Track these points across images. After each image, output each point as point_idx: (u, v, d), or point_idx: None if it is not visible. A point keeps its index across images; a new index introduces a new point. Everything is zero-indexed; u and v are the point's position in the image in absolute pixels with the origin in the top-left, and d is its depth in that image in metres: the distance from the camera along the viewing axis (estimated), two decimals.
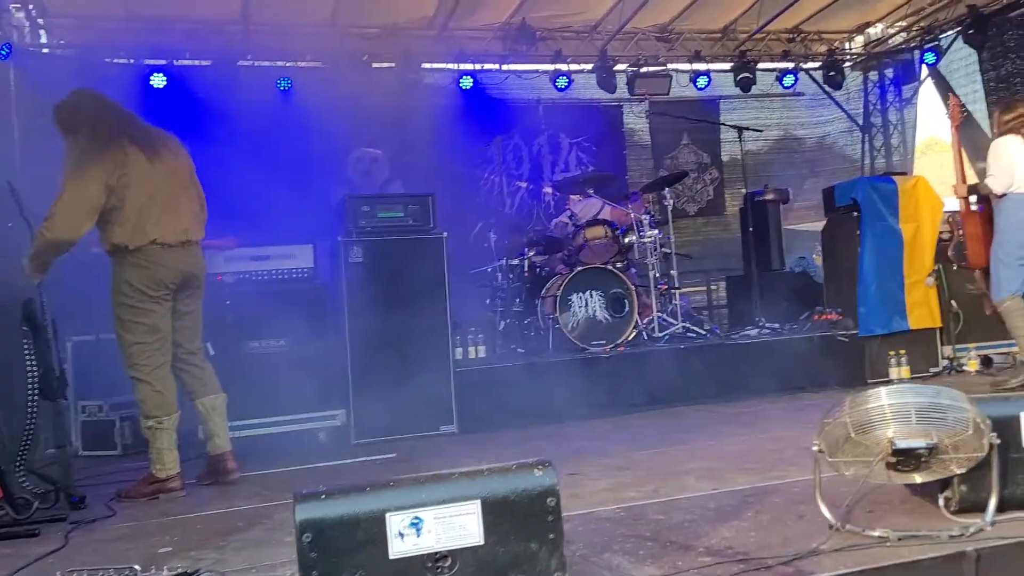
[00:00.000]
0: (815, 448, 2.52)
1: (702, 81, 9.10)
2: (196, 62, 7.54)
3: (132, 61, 7.37)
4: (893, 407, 2.39)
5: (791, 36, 9.25)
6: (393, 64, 8.02)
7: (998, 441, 2.37)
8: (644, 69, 8.90)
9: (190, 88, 7.00)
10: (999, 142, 5.50)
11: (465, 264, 7.12)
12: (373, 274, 5.33)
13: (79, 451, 5.63)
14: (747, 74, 9.01)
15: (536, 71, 8.96)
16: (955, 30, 8.66)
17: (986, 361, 6.66)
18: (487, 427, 5.39)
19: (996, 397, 2.63)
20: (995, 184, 5.40)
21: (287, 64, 7.82)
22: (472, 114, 8.56)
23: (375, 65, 8.08)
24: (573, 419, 5.56)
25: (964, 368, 6.55)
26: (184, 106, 6.76)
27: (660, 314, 6.67)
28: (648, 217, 6.86)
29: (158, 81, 7.12)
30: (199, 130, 5.82)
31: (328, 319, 5.36)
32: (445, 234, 5.52)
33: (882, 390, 2.44)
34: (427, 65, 8.35)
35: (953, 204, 6.22)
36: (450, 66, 8.55)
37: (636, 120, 9.65)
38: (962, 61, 8.93)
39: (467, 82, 8.30)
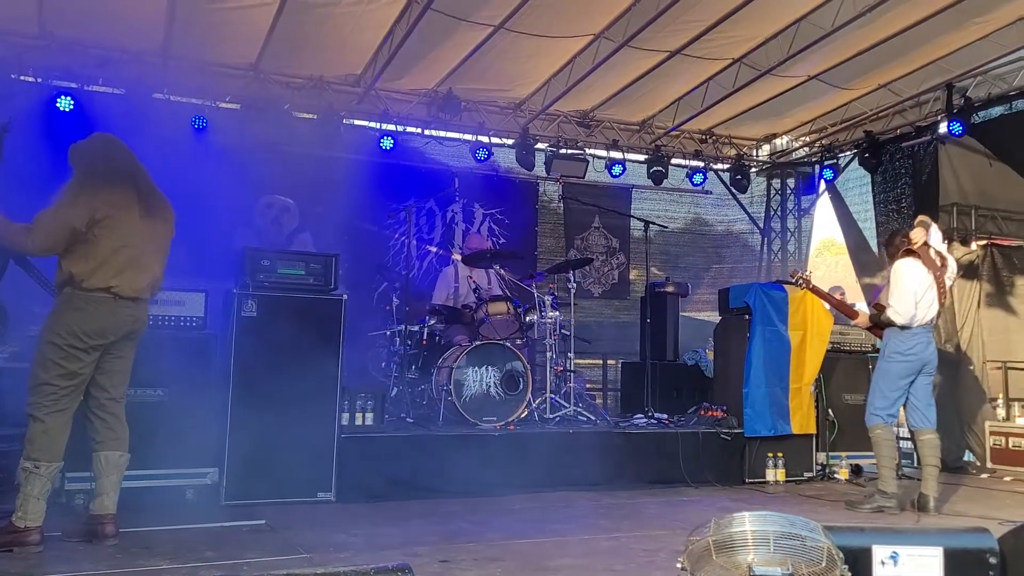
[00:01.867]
0: (679, 565, 2.55)
1: (617, 169, 9.39)
2: (109, 89, 7.32)
3: (40, 80, 7.10)
4: (755, 533, 2.44)
5: (703, 137, 9.69)
6: (315, 116, 7.98)
7: (849, 574, 2.45)
8: (563, 151, 9.13)
9: (99, 115, 6.77)
10: (901, 264, 5.48)
11: (363, 325, 7.03)
12: (265, 330, 5.20)
13: None
14: (660, 168, 9.36)
15: (457, 139, 9.07)
16: (852, 152, 9.25)
17: (856, 470, 6.94)
18: (365, 497, 5.27)
19: (852, 528, 2.73)
20: (896, 316, 5.41)
21: (204, 102, 7.68)
22: (389, 174, 8.58)
23: (296, 114, 8.01)
24: (456, 496, 5.49)
25: (836, 475, 6.82)
26: (89, 132, 6.53)
27: (553, 395, 6.72)
28: (551, 298, 6.96)
29: (65, 104, 6.87)
30: None
31: (212, 372, 5.17)
32: (345, 296, 5.46)
33: (746, 515, 2.49)
34: (349, 121, 8.34)
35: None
36: (372, 124, 8.57)
37: (551, 198, 9.85)
38: (857, 180, 9.52)
39: (388, 142, 8.32)
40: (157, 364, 4.87)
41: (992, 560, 2.70)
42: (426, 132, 8.79)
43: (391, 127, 8.50)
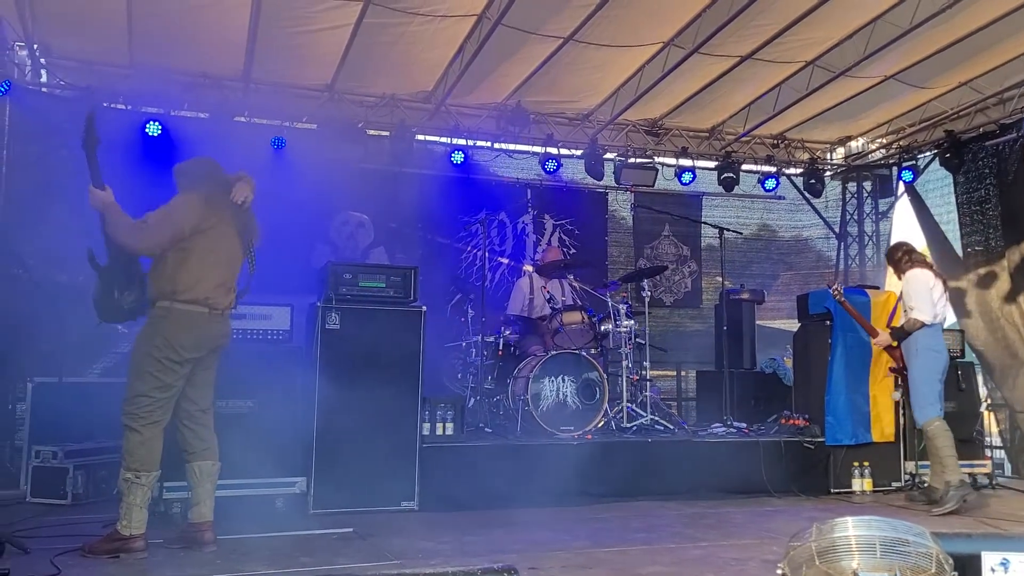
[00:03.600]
0: (779, 572, 2.52)
1: (687, 177, 9.31)
2: (193, 114, 7.62)
3: (130, 107, 7.44)
4: (859, 538, 2.40)
5: (775, 142, 9.54)
6: (388, 133, 8.14)
7: None
8: (632, 160, 9.11)
9: (184, 138, 7.05)
10: (912, 273, 5.90)
11: (440, 336, 7.12)
12: (348, 342, 5.33)
13: (27, 496, 5.47)
14: (731, 174, 9.24)
15: (527, 152, 9.13)
16: (932, 152, 8.98)
17: None
18: (448, 506, 5.32)
19: (959, 534, 2.66)
20: (922, 316, 5.75)
21: (283, 124, 7.91)
22: (460, 188, 8.69)
23: (370, 132, 8.18)
24: (536, 505, 5.50)
25: (925, 484, 6.59)
26: (177, 155, 6.79)
27: (630, 404, 6.69)
28: (625, 307, 6.94)
29: (153, 129, 7.17)
30: None
31: (299, 383, 5.31)
32: (424, 308, 5.55)
33: (849, 520, 2.45)
34: (421, 137, 8.48)
35: None
36: (443, 139, 8.70)
37: (620, 208, 9.83)
38: (938, 182, 9.22)
39: (458, 157, 8.44)
40: (246, 376, 5.04)
41: None
42: (496, 145, 8.88)
43: (461, 141, 8.62)
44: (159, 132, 7.19)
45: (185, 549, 4.06)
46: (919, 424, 5.83)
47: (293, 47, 6.98)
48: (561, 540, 4.47)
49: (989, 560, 2.53)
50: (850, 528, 2.43)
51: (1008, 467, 7.98)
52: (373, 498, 5.26)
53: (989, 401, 8.00)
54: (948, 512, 5.41)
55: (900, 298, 6.14)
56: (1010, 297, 8.05)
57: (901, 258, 6.03)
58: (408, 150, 8.08)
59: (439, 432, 5.70)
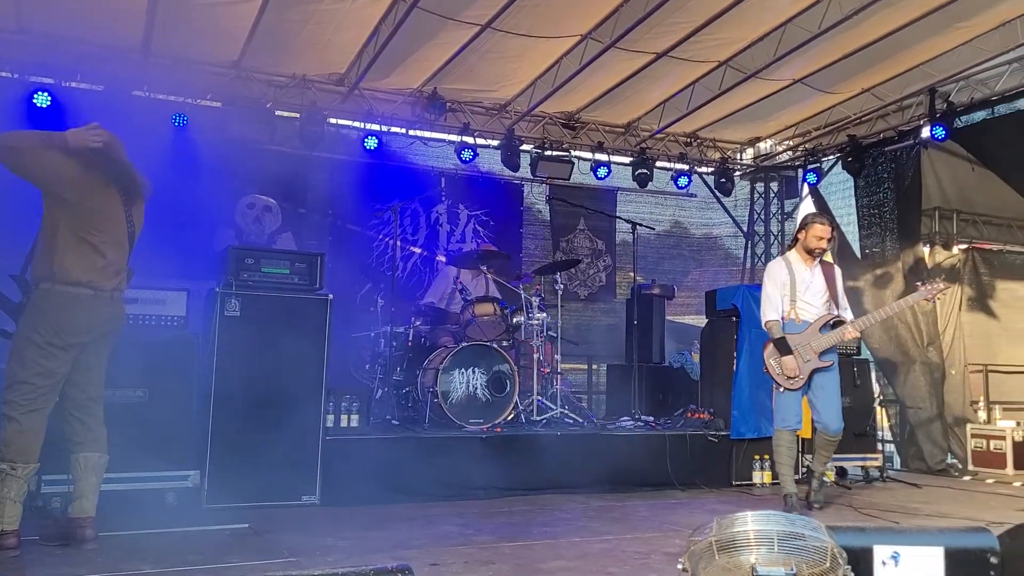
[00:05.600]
0: (680, 566, 2.50)
1: (602, 171, 9.34)
2: (87, 85, 7.18)
3: (16, 76, 6.95)
4: (758, 533, 2.40)
5: (688, 140, 9.68)
6: (298, 115, 7.87)
7: (852, 574, 2.41)
8: (548, 152, 9.08)
9: (76, 111, 6.61)
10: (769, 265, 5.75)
11: (348, 326, 6.94)
12: (249, 330, 5.13)
13: None
14: (645, 170, 9.33)
15: (443, 140, 8.99)
16: (835, 155, 9.27)
17: (841, 472, 6.95)
18: (351, 500, 5.18)
19: (854, 527, 2.69)
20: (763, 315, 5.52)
21: (185, 100, 7.54)
22: (374, 174, 8.49)
23: (279, 113, 7.90)
24: (442, 499, 5.44)
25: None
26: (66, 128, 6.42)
27: (540, 397, 6.67)
28: (538, 299, 6.91)
29: (42, 100, 6.71)
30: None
31: (194, 372, 5.08)
32: (331, 296, 5.39)
33: (748, 515, 2.45)
34: (333, 120, 8.23)
35: None
36: (356, 124, 8.45)
37: (536, 200, 9.81)
38: (840, 184, 9.55)
39: (372, 142, 8.22)
40: (137, 364, 4.77)
41: (993, 560, 2.67)
42: (411, 132, 8.71)
43: (375, 127, 8.39)
44: (48, 103, 6.74)
45: (63, 546, 3.81)
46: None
47: (197, 20, 6.64)
48: (465, 535, 4.40)
49: (880, 553, 2.57)
50: (749, 523, 2.43)
51: (898, 460, 8.33)
52: (272, 492, 5.08)
53: (882, 397, 8.31)
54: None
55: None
56: (904, 296, 8.39)
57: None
58: (319, 133, 7.82)
59: (344, 424, 5.55)
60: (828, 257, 5.77)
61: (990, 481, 7.39)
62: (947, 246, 8.77)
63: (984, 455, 8.02)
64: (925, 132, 8.17)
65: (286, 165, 8.00)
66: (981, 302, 8.99)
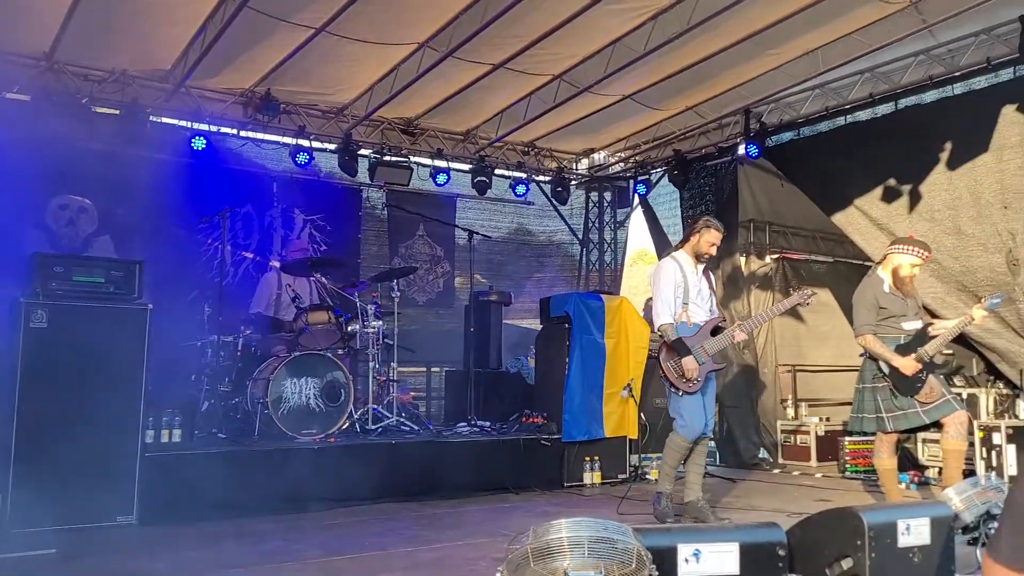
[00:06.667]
0: (498, 575, 2.58)
1: (441, 178, 9.40)
2: None
3: None
4: (570, 539, 2.51)
5: (526, 149, 9.92)
6: (118, 111, 7.41)
7: (656, 573, 2.57)
8: (387, 158, 9.03)
9: None
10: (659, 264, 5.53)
11: (174, 336, 6.60)
12: (58, 342, 4.79)
13: None
14: (484, 178, 9.47)
15: (276, 142, 8.75)
16: (663, 168, 9.79)
17: None
18: (173, 520, 4.94)
19: (659, 528, 2.87)
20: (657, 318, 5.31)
21: None
22: (203, 176, 8.09)
23: (96, 109, 7.41)
24: (273, 513, 5.29)
25: (647, 476, 7.17)
26: None
27: (376, 406, 6.63)
28: (374, 307, 6.86)
29: None
30: None
31: None
32: (150, 306, 5.13)
33: (563, 521, 2.56)
34: (156, 119, 7.81)
35: None
36: (183, 123, 8.06)
37: (375, 205, 9.72)
38: (667, 196, 10.09)
39: (200, 142, 7.86)
40: None
41: (781, 552, 2.93)
42: (242, 133, 8.42)
43: (204, 127, 8.03)
44: None
45: None
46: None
47: (2, 6, 6.14)
48: (295, 550, 4.31)
49: (683, 552, 2.76)
50: (563, 530, 2.54)
51: (718, 456, 8.88)
52: (85, 514, 4.76)
53: None
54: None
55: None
56: (723, 303, 8.97)
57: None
58: (141, 132, 7.40)
59: (164, 439, 5.29)
60: None
61: (796, 473, 8.03)
62: (760, 255, 9.46)
63: (792, 449, 8.72)
64: (741, 150, 8.80)
65: (105, 164, 7.47)
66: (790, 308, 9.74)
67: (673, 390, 5.28)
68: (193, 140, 7.83)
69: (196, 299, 6.90)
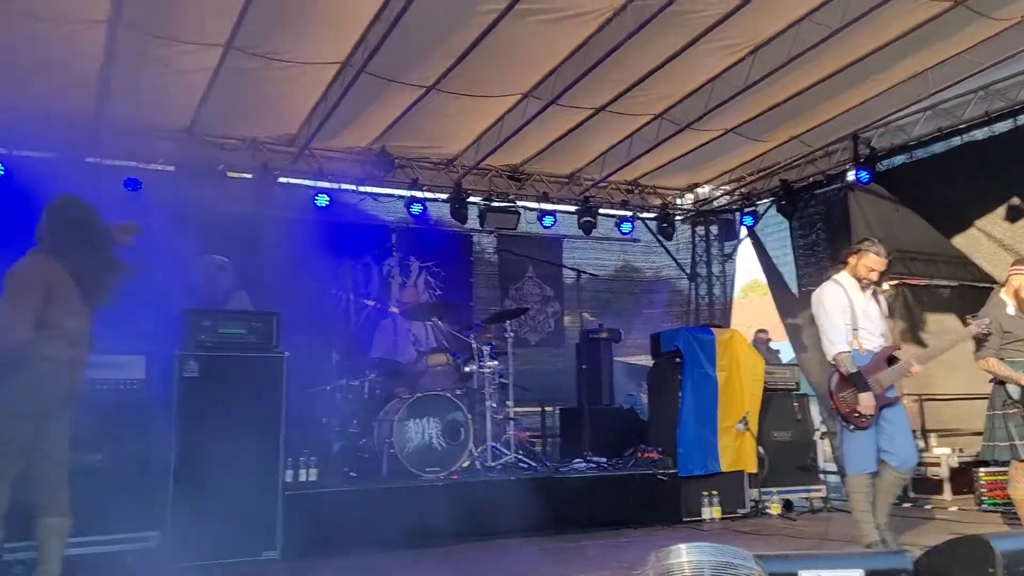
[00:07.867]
0: None
1: (548, 220, 9.68)
2: (39, 154, 7.28)
3: None
4: (691, 563, 2.62)
5: (629, 188, 10.08)
6: (250, 175, 8.06)
7: None
8: (495, 203, 9.38)
9: (29, 180, 6.72)
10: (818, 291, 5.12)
11: (303, 381, 7.04)
12: (207, 390, 5.23)
13: None
14: (589, 218, 9.68)
15: (392, 195, 9.25)
16: (770, 199, 9.75)
17: (787, 505, 7.20)
18: (312, 554, 5.26)
19: (779, 555, 2.93)
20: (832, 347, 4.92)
21: (138, 165, 7.69)
22: (326, 231, 8.63)
23: (231, 174, 8.08)
24: (401, 548, 5.51)
25: (768, 511, 7.06)
26: (21, 199, 6.48)
27: (494, 443, 6.83)
28: (489, 348, 7.11)
29: None
30: (34, 225, 5.62)
31: (153, 434, 5.14)
32: (287, 354, 5.52)
33: (683, 547, 2.68)
34: (284, 179, 8.44)
35: None
36: (307, 182, 8.67)
37: (485, 250, 10.07)
38: (776, 227, 10.01)
39: (323, 199, 8.44)
40: (95, 428, 4.83)
41: None
42: (361, 189, 8.95)
43: (326, 184, 8.62)
44: (1, 173, 6.82)
45: None
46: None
47: (149, 88, 6.83)
48: None
49: None
50: (683, 555, 2.65)
51: (843, 490, 8.62)
52: (233, 550, 5.13)
53: (824, 429, 8.64)
54: None
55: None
56: None
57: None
58: (271, 193, 8.02)
59: (302, 479, 5.65)
60: None
61: (928, 507, 7.70)
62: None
63: (923, 482, 8.36)
64: (851, 176, 8.68)
65: (239, 224, 8.13)
66: (914, 334, 9.41)
67: (844, 424, 4.91)
68: (317, 198, 8.40)
69: (324, 346, 7.33)
